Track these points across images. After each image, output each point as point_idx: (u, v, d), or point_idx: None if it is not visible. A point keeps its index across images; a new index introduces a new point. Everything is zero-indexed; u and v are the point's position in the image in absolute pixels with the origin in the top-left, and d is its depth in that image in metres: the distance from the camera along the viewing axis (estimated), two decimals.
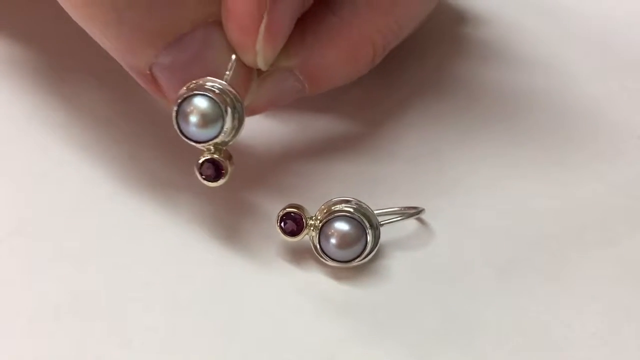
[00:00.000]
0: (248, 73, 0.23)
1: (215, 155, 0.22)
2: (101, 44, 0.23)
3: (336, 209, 0.23)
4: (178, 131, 0.22)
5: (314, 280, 0.23)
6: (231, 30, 0.22)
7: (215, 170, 0.22)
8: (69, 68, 0.30)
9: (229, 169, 0.22)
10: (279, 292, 0.23)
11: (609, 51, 0.33)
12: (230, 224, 0.25)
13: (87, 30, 0.23)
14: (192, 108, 0.22)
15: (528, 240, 0.24)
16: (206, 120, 0.22)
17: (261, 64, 0.23)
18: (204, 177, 0.23)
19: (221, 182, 0.23)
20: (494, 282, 0.23)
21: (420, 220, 0.25)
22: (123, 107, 0.28)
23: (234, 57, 0.23)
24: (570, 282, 0.23)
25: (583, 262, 0.24)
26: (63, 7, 0.23)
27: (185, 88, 0.22)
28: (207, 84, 0.22)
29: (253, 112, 0.25)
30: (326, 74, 0.26)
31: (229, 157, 0.23)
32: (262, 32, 0.22)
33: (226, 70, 0.22)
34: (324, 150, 0.28)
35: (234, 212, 0.25)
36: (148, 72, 0.23)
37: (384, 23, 0.26)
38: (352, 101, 0.29)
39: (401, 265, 0.24)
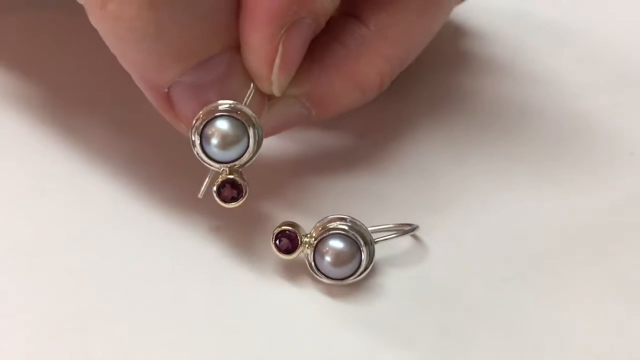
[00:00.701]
0: (262, 100, 0.24)
1: (233, 176, 0.23)
2: (122, 59, 0.23)
3: (331, 227, 0.23)
4: (200, 151, 0.22)
5: (309, 297, 0.23)
6: (249, 61, 0.23)
7: (235, 191, 0.23)
8: (70, 100, 0.30)
9: (246, 190, 0.23)
10: (274, 309, 0.23)
11: (601, 67, 0.33)
12: (224, 241, 0.25)
13: (113, 44, 0.23)
14: (214, 130, 0.22)
15: (521, 257, 0.25)
16: (230, 141, 0.22)
17: (276, 91, 0.24)
18: (222, 199, 0.23)
19: (240, 202, 0.23)
20: (488, 299, 0.23)
21: (414, 237, 0.25)
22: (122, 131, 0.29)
23: (252, 84, 0.23)
24: (564, 299, 0.23)
25: (576, 279, 0.24)
26: (91, 19, 0.23)
27: (204, 110, 0.22)
28: (224, 105, 0.22)
29: None
30: (333, 102, 0.26)
31: (243, 178, 0.23)
32: (277, 63, 0.23)
33: (245, 96, 0.23)
34: (318, 167, 0.28)
35: (229, 229, 0.25)
36: (165, 90, 0.23)
37: (391, 52, 0.26)
38: (345, 117, 0.30)
39: (396, 283, 0.24)
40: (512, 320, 0.23)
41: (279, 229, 0.23)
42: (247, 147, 0.22)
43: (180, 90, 0.23)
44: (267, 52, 0.23)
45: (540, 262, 0.24)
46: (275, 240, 0.23)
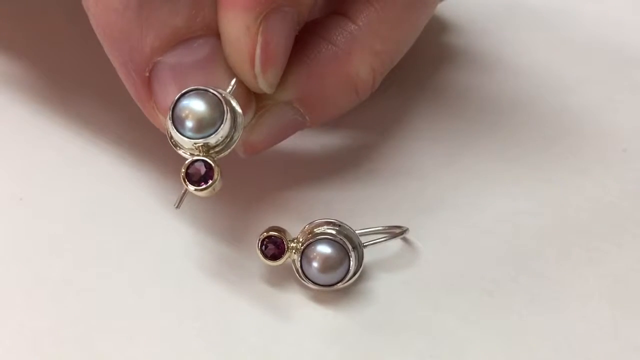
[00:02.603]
0: (248, 98, 0.23)
1: (207, 158, 0.21)
2: (105, 37, 0.22)
3: (318, 232, 0.23)
4: (172, 128, 0.21)
5: (297, 304, 0.23)
6: (228, 54, 0.22)
7: (205, 170, 0.21)
8: (49, 104, 0.29)
9: (219, 174, 0.21)
10: (261, 317, 0.22)
11: (594, 62, 0.33)
12: (210, 247, 0.24)
13: (97, 15, 0.22)
14: (189, 106, 0.21)
15: (513, 259, 0.24)
16: (204, 118, 0.21)
17: (264, 86, 0.23)
18: (190, 179, 0.21)
19: (211, 187, 0.21)
20: (479, 302, 0.23)
21: (405, 239, 0.25)
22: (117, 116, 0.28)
23: (234, 80, 0.22)
24: (556, 301, 0.23)
25: (569, 280, 0.24)
26: None
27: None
28: (215, 89, 0.21)
29: (254, 149, 0.25)
30: (327, 104, 0.25)
31: (219, 168, 0.21)
32: (258, 54, 0.22)
33: (227, 89, 0.22)
34: (305, 169, 0.27)
35: (214, 235, 0.25)
36: (147, 74, 0.22)
37: (382, 48, 0.25)
38: (333, 121, 0.29)
39: (386, 287, 0.23)
40: (505, 324, 0.22)
41: (265, 235, 0.23)
42: (222, 124, 0.21)
43: (161, 73, 0.22)
44: (245, 43, 0.22)
45: (533, 264, 0.24)
46: (261, 247, 0.23)
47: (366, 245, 0.23)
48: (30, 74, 0.30)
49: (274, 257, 0.23)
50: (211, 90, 0.21)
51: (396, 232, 0.24)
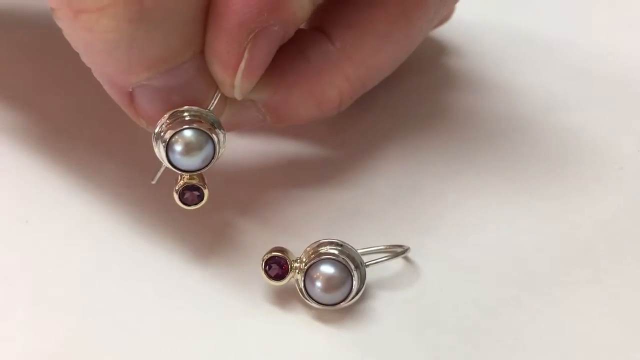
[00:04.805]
0: (224, 102, 0.24)
1: (194, 182, 0.23)
2: (89, 64, 0.23)
3: (321, 251, 0.23)
4: (165, 159, 0.22)
5: (300, 323, 0.23)
6: (213, 66, 0.23)
7: (197, 195, 0.23)
8: (54, 127, 0.30)
9: (206, 193, 0.23)
10: (264, 336, 0.23)
11: (588, 80, 0.33)
12: (213, 267, 0.24)
13: (82, 52, 0.22)
14: (179, 138, 0.22)
15: (514, 277, 0.24)
16: (192, 148, 0.22)
17: (238, 95, 0.24)
18: (185, 202, 0.23)
19: (200, 205, 0.23)
20: (481, 321, 0.23)
21: (406, 259, 0.25)
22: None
23: (218, 89, 0.23)
24: (557, 320, 0.23)
25: (569, 299, 0.24)
26: (59, 24, 0.22)
27: (168, 115, 0.22)
28: (189, 113, 0.22)
29: None
30: (288, 113, 0.26)
31: (204, 181, 0.23)
32: (242, 68, 0.23)
33: (211, 101, 0.23)
34: (306, 187, 0.27)
35: (218, 254, 0.25)
36: (130, 90, 0.23)
37: (353, 73, 0.26)
38: (333, 135, 0.29)
39: (388, 306, 0.23)
40: (507, 343, 0.22)
41: (269, 255, 0.23)
42: (212, 155, 0.22)
43: (145, 92, 0.23)
44: (232, 58, 0.22)
45: (533, 283, 0.24)
46: (265, 267, 0.23)
47: (368, 265, 0.23)
48: (33, 96, 0.31)
49: (278, 277, 0.23)
50: (198, 127, 0.22)
51: (398, 251, 0.24)
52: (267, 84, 0.25)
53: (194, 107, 0.22)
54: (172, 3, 0.21)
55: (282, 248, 0.23)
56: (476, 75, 0.33)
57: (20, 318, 0.23)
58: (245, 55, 0.22)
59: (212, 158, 0.22)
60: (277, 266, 0.23)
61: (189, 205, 0.23)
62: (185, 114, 0.22)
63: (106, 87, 0.23)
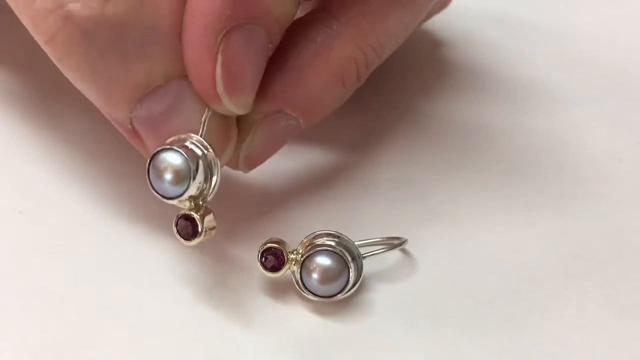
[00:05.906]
0: (225, 124, 0.23)
1: (192, 213, 0.21)
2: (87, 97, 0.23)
3: (318, 243, 0.23)
4: (151, 188, 0.21)
5: (296, 315, 0.23)
6: (192, 81, 0.22)
7: (191, 228, 0.21)
8: (48, 116, 0.29)
9: (204, 230, 0.21)
10: (261, 328, 0.22)
11: (588, 72, 0.33)
12: (209, 258, 0.24)
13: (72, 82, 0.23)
14: (161, 164, 0.21)
15: (511, 271, 0.24)
16: (176, 176, 0.21)
17: (234, 108, 0.23)
18: (179, 234, 0.22)
19: (195, 241, 0.22)
20: (478, 314, 0.23)
21: (403, 251, 0.25)
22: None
23: (207, 109, 0.22)
24: (555, 312, 0.23)
25: (567, 292, 0.24)
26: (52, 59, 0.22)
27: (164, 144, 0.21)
28: (188, 139, 0.21)
29: (254, 162, 0.25)
30: (317, 105, 0.25)
31: (209, 213, 0.22)
32: (218, 73, 0.22)
33: (200, 123, 0.22)
34: (305, 183, 0.27)
35: (213, 246, 0.24)
36: (130, 125, 0.22)
37: (364, 42, 0.25)
38: (331, 133, 0.29)
39: (384, 299, 0.23)
40: (504, 336, 0.22)
41: (265, 247, 0.23)
42: (191, 181, 0.21)
43: (139, 124, 0.22)
44: (205, 65, 0.21)
45: (530, 276, 0.24)
46: (261, 258, 0.23)
47: (365, 257, 0.23)
48: (30, 87, 0.31)
49: (274, 269, 0.23)
50: (179, 150, 0.21)
51: (395, 243, 0.24)
52: (284, 86, 0.24)
53: (190, 134, 0.21)
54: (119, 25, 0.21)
55: (279, 239, 0.23)
56: (475, 68, 0.33)
57: (14, 310, 0.23)
58: (219, 58, 0.21)
59: (191, 182, 0.21)
60: (273, 258, 0.23)
61: (183, 239, 0.22)
62: (177, 139, 0.21)
63: (118, 128, 0.23)
